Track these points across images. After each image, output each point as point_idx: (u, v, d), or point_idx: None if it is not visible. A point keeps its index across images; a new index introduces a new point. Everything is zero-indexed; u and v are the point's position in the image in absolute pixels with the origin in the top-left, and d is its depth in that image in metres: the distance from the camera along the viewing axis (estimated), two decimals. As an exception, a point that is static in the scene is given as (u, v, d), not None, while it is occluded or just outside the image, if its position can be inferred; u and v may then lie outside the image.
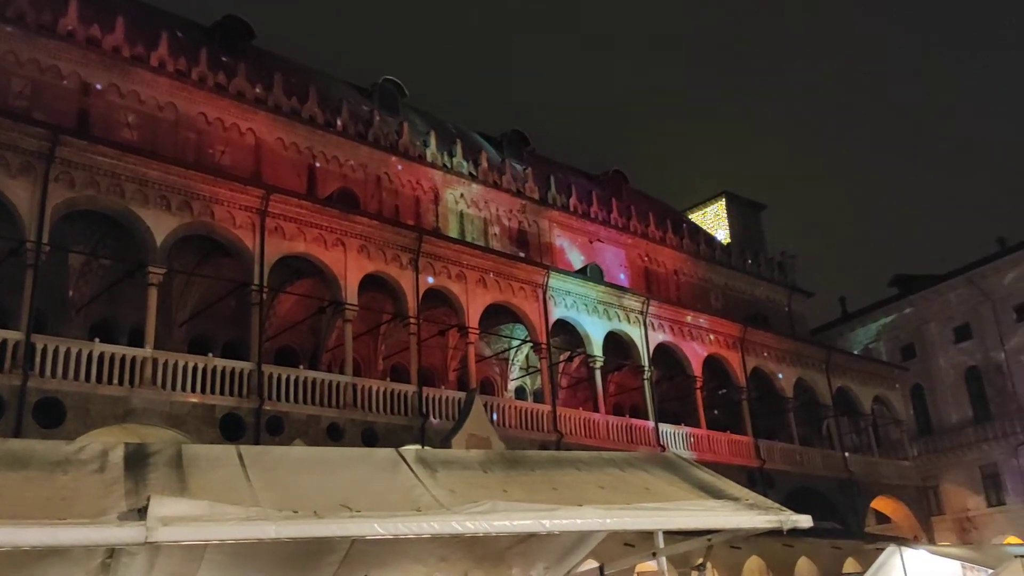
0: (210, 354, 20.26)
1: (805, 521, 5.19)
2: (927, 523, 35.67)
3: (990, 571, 16.07)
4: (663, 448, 26.33)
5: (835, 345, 39.04)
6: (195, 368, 19.41)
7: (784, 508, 5.29)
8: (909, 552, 17.32)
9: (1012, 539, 31.53)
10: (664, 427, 28.47)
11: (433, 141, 31.83)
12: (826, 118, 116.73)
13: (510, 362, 30.93)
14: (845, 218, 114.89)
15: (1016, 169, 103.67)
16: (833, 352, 36.13)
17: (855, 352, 41.16)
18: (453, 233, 29.95)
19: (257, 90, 27.71)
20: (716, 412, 31.57)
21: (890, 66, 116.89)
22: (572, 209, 35.08)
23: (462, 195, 32.05)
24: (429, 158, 31.43)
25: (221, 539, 4.11)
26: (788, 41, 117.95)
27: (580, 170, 41.63)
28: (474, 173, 32.54)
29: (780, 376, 33.08)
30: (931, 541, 31.38)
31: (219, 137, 26.61)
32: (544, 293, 26.94)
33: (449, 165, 31.92)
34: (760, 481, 29.08)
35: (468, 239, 29.74)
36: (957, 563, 18.08)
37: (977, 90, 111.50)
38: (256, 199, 21.44)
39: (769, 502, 5.34)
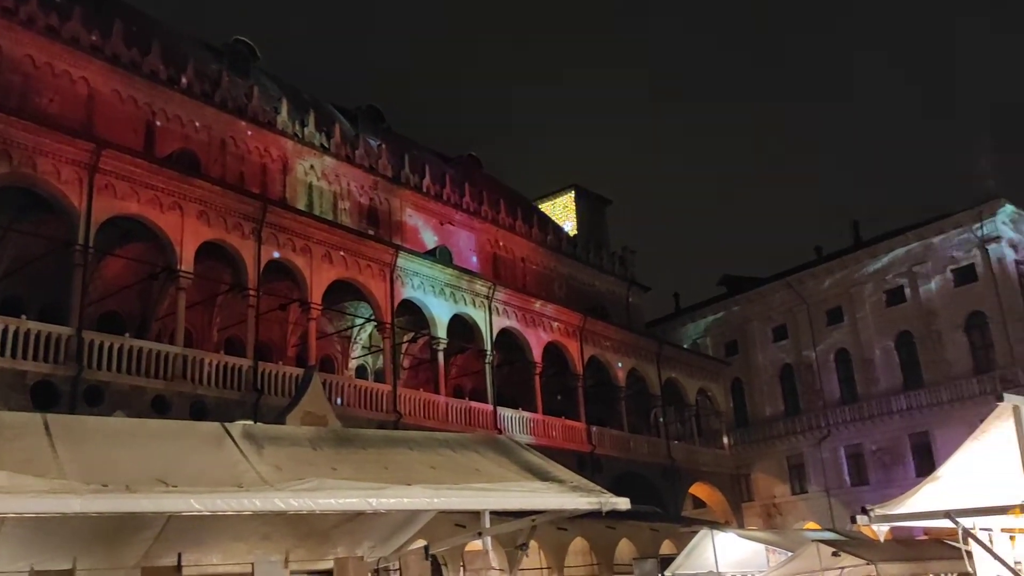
0: (23, 316, 18.76)
1: (623, 503, 5.46)
2: (738, 508, 38.32)
3: (789, 553, 17.42)
4: (500, 431, 26.80)
5: (667, 338, 41.01)
6: (4, 330, 17.95)
7: (605, 491, 5.54)
8: (720, 535, 18.52)
9: (811, 525, 34.26)
10: (502, 411, 29.00)
11: (285, 108, 30.76)
12: (672, 120, 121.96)
13: (352, 340, 30.52)
14: (684, 219, 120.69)
15: (832, 184, 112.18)
16: (664, 345, 37.96)
17: (685, 346, 43.43)
18: (301, 205, 29.11)
19: (93, 37, 25.75)
20: (560, 398, 32.50)
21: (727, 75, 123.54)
22: (425, 190, 34.93)
23: (312, 167, 31.19)
24: (280, 125, 30.35)
25: (19, 512, 3.84)
26: (645, 41, 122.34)
27: (435, 151, 41.48)
28: (326, 145, 31.73)
29: (616, 366, 34.44)
30: (740, 525, 33.72)
31: (48, 84, 24.55)
32: (392, 273, 26.73)
33: (300, 135, 30.96)
34: (589, 465, 30.20)
35: (316, 212, 29.00)
36: (762, 546, 19.51)
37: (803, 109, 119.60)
38: (85, 153, 20.02)
39: (592, 485, 5.58)
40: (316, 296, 24.51)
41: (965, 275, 36.94)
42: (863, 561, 15.20)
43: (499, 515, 6.97)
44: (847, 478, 38.94)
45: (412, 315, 28.39)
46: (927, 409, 36.13)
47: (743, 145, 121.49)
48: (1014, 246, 36.28)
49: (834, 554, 15.36)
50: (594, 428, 32.19)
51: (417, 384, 29.67)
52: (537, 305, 31.90)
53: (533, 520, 5.80)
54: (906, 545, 17.42)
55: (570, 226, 47.41)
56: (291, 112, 31.03)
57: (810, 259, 45.19)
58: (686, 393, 38.01)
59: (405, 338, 29.56)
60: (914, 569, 16.43)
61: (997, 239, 35.86)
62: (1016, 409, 6.14)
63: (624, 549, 27.71)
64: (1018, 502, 5.88)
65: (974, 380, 35.11)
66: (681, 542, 22.73)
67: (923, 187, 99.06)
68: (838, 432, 39.52)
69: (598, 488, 5.43)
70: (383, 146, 34.71)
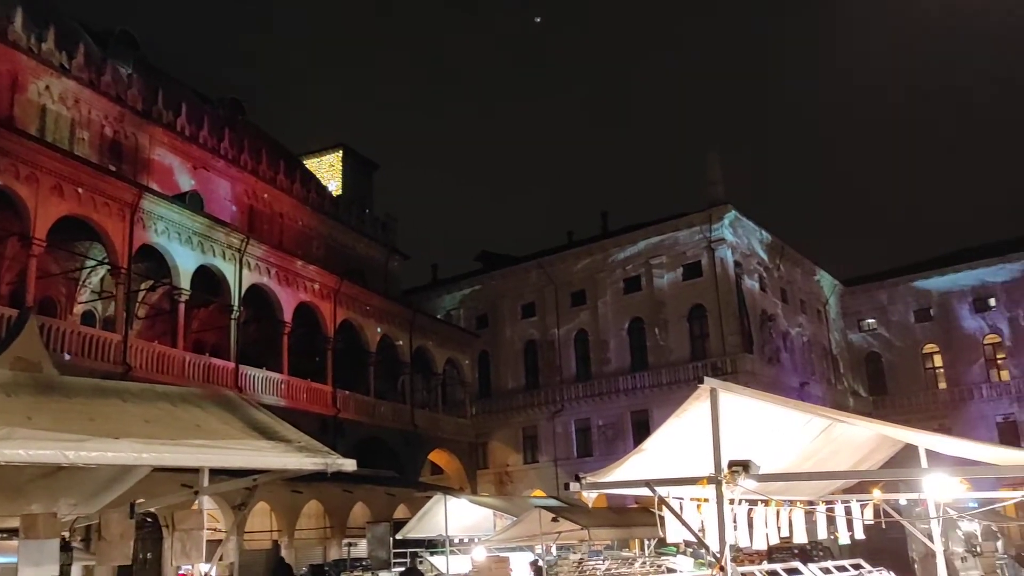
0: None
1: (349, 465, 5.47)
2: (473, 475, 39.82)
3: (514, 518, 18.41)
4: (241, 390, 25.77)
5: (422, 308, 41.51)
6: None
7: (332, 452, 5.51)
8: (452, 500, 19.19)
9: (538, 492, 36.43)
10: (246, 369, 27.91)
11: (20, 18, 27.18)
12: (441, 96, 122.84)
13: (81, 283, 27.90)
14: (448, 193, 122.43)
15: (587, 174, 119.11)
16: (418, 314, 38.38)
17: (438, 316, 44.18)
18: (31, 129, 25.98)
19: None
20: (318, 359, 31.82)
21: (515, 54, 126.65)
22: (179, 129, 32.51)
23: (49, 88, 27.92)
24: (11, 36, 26.81)
25: None
26: (438, 16, 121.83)
27: (195, 90, 38.73)
28: (67, 66, 28.51)
29: (369, 331, 34.31)
30: (474, 492, 35.08)
31: None
32: (133, 214, 24.71)
33: (36, 50, 27.55)
34: (332, 429, 29.95)
35: (49, 138, 26.05)
36: (490, 511, 20.46)
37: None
38: None
39: (319, 445, 5.53)
40: (40, 231, 22.11)
41: (693, 271, 40.71)
42: (578, 526, 16.44)
43: (224, 474, 6.73)
44: (575, 450, 41.69)
45: (153, 262, 26.45)
46: (648, 390, 39.49)
47: (506, 129, 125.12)
48: (734, 248, 40.48)
49: (553, 519, 16.47)
50: (340, 392, 31.91)
51: (152, 336, 27.77)
52: (294, 264, 30.96)
53: (255, 479, 5.65)
54: (617, 512, 19.09)
55: (335, 186, 46.39)
56: (27, 23, 27.50)
57: (562, 243, 47.67)
58: (435, 362, 38.75)
59: (143, 286, 27.50)
60: (621, 533, 18.08)
61: (722, 241, 39.83)
62: (713, 391, 6.82)
63: (359, 513, 27.87)
64: (706, 474, 6.56)
65: (690, 366, 38.86)
66: (416, 507, 23.27)
67: (669, 187, 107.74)
68: (571, 407, 42.17)
69: (325, 449, 5.40)
70: (135, 76, 31.82)
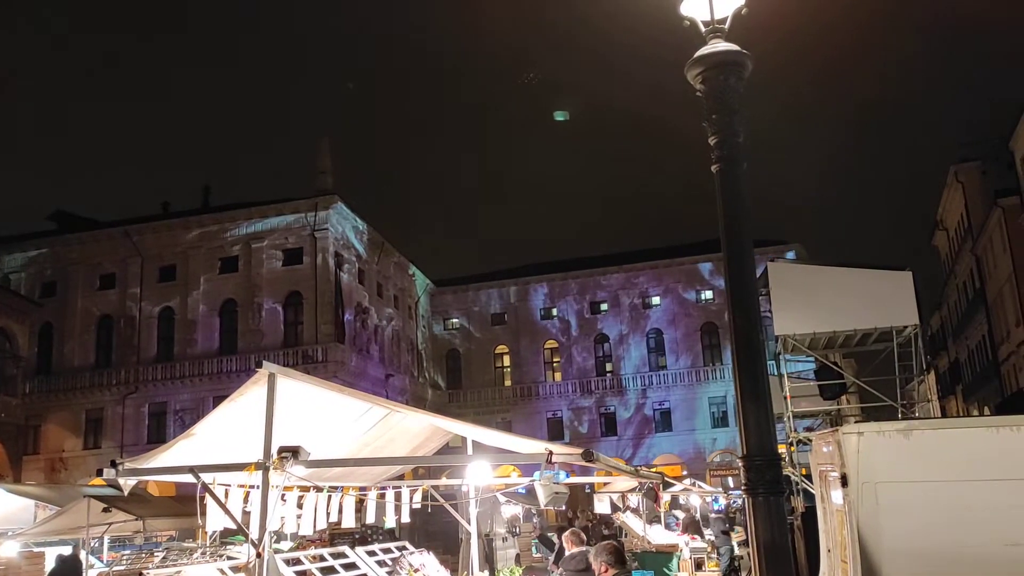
0: None
1: None
2: (18, 462, 34.97)
3: (58, 508, 16.53)
4: None
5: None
6: None
7: None
8: (-18, 489, 16.68)
9: (98, 481, 33.13)
10: None
11: None
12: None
13: None
14: (19, 141, 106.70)
15: (186, 139, 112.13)
16: (-36, 273, 32.78)
17: (-8, 279, 38.20)
18: None
19: None
20: None
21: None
22: None
23: None
24: None
25: None
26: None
27: None
28: None
29: None
30: (17, 480, 30.84)
31: None
32: None
33: None
34: None
35: None
36: (31, 501, 18.21)
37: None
38: None
39: None
40: None
41: (293, 257, 40.28)
42: (133, 516, 15.27)
43: None
44: (146, 434, 38.76)
45: None
46: (235, 374, 38.14)
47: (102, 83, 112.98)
48: (337, 239, 40.92)
49: (105, 510, 15.09)
50: None
51: None
52: None
53: None
54: (181, 501, 18.08)
55: None
56: None
57: (156, 213, 44.13)
58: (-21, 331, 33.39)
59: None
60: (180, 523, 17.21)
61: (325, 230, 40.00)
62: (271, 376, 6.73)
63: None
64: (254, 460, 6.44)
65: (281, 352, 38.38)
66: (-71, 497, 19.81)
67: (281, 170, 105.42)
68: (147, 389, 39.17)
69: None
70: None
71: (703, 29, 4.46)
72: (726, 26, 4.44)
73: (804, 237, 52.24)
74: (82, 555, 16.45)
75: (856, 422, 10.00)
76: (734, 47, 4.40)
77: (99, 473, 6.53)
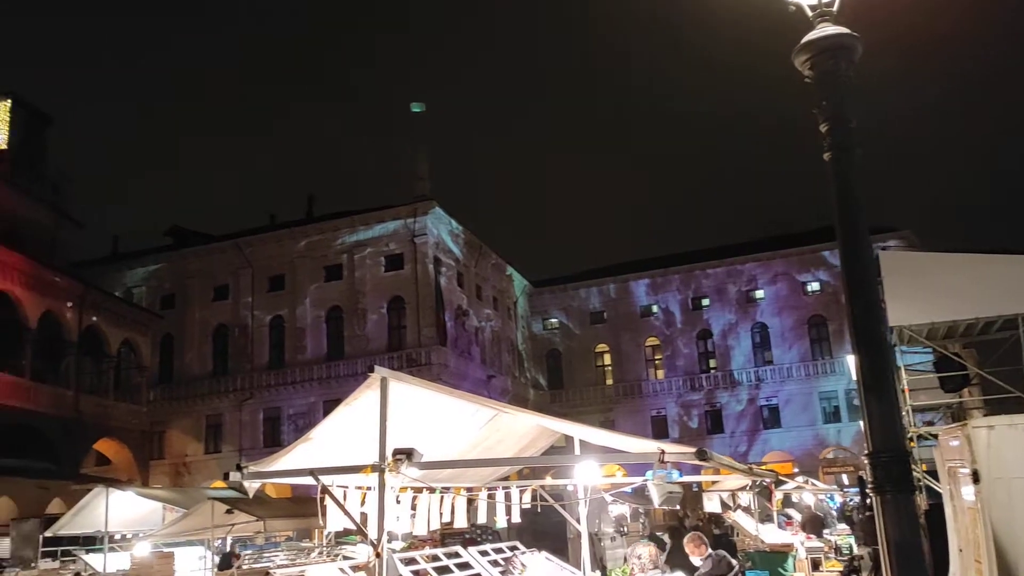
0: None
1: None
2: (146, 466, 36.93)
3: (185, 510, 17.35)
4: None
5: (98, 282, 37.66)
6: None
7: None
8: (116, 493, 17.63)
9: (218, 484, 34.64)
10: None
11: None
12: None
13: None
14: (140, 163, 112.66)
15: (294, 158, 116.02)
16: (91, 289, 34.78)
17: (117, 293, 40.43)
18: None
19: None
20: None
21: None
22: None
23: None
24: None
25: None
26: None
27: None
28: None
29: (31, 304, 30.46)
30: (145, 483, 32.53)
31: None
32: None
33: None
34: (-28, 414, 26.23)
35: None
36: (159, 504, 19.13)
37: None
38: None
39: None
40: None
41: (395, 263, 41.16)
42: (254, 518, 15.89)
43: None
44: (262, 439, 40.31)
45: None
46: (343, 379, 39.28)
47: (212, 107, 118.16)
48: (436, 244, 41.59)
49: (228, 511, 15.75)
50: (-17, 373, 27.99)
51: None
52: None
53: None
54: (297, 503, 18.72)
55: (0, 139, 40.57)
56: None
57: (264, 225, 45.85)
58: (109, 343, 35.35)
59: None
60: (298, 524, 17.83)
61: (424, 235, 40.72)
62: (383, 380, 6.89)
63: (3, 508, 24.74)
64: (370, 462, 6.60)
65: (386, 356, 39.26)
66: (74, 501, 21.11)
67: (379, 180, 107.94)
68: (261, 395, 40.73)
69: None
70: None
71: (810, 13, 4.33)
72: (834, 8, 4.30)
73: (912, 223, 49.92)
74: (207, 555, 17.25)
75: (984, 415, 9.51)
76: (844, 30, 4.25)
77: (225, 477, 6.81)
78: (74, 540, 20.39)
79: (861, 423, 4.25)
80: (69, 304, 32.71)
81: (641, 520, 23.42)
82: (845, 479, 36.19)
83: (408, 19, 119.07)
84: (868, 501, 15.61)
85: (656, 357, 50.71)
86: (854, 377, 4.27)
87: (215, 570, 16.42)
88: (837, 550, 15.90)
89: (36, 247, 35.00)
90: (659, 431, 46.46)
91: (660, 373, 50.17)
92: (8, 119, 42.24)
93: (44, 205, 38.29)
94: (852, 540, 16.96)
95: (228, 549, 17.18)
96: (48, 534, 19.76)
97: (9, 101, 42.70)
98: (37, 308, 30.94)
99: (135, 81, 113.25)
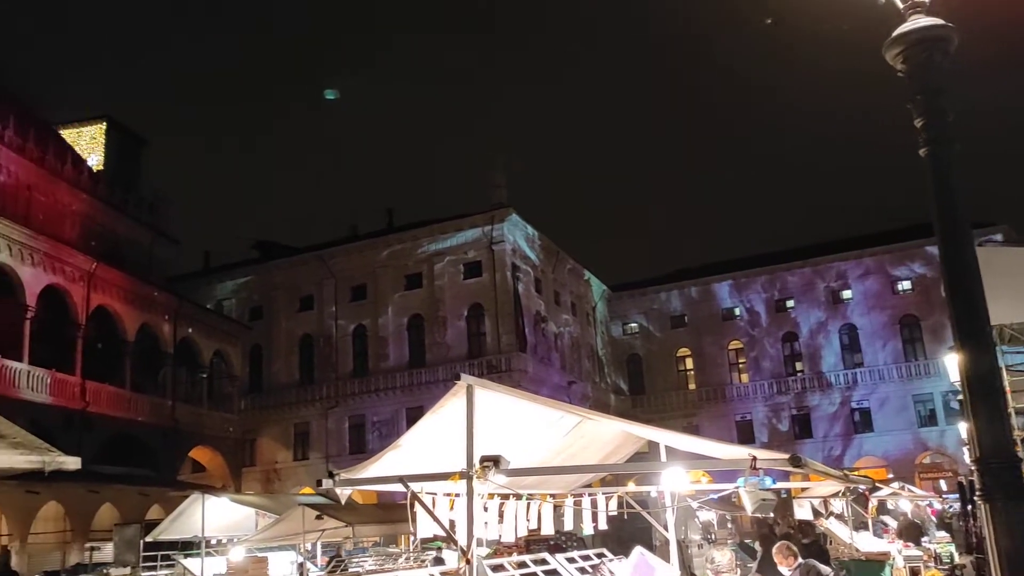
0: None
1: (73, 463, 5.01)
2: (239, 473, 38.14)
3: (277, 517, 17.81)
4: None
5: (191, 296, 39.15)
6: None
7: (54, 449, 5.03)
8: (211, 500, 18.23)
9: (307, 490, 35.52)
10: (-29, 356, 24.97)
11: None
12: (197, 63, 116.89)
13: None
14: (227, 177, 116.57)
15: (373, 170, 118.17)
16: (184, 303, 36.17)
17: (208, 306, 41.90)
18: None
19: None
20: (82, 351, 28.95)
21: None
22: (-96, 82, 28.50)
23: None
24: None
25: None
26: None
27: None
28: None
29: (130, 318, 31.86)
30: (238, 490, 33.61)
31: None
32: None
33: None
34: (79, 424, 27.54)
35: None
36: (252, 510, 19.66)
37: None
38: None
39: (38, 442, 5.03)
40: None
41: (473, 271, 41.51)
42: (343, 523, 16.21)
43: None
44: (347, 446, 41.12)
45: None
46: (425, 386, 39.78)
47: (290, 123, 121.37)
48: (514, 251, 41.78)
49: (318, 517, 16.11)
50: (91, 383, 29.36)
51: None
52: (40, 241, 28.07)
53: (-43, 480, 5.04)
54: (384, 509, 19.04)
55: (96, 160, 42.59)
56: None
57: (345, 237, 46.86)
58: (202, 354, 36.69)
59: None
60: (388, 529, 18.12)
61: (502, 243, 40.94)
62: (469, 388, 6.94)
63: (107, 514, 25.83)
64: (458, 469, 6.66)
65: (467, 363, 39.56)
66: (172, 507, 21.89)
67: (453, 187, 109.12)
68: (346, 403, 41.56)
69: (45, 445, 4.92)
70: None
71: (901, 6, 4.20)
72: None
73: (1012, 218, 47.62)
74: (298, 560, 17.65)
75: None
76: (937, 21, 4.10)
77: (318, 484, 6.97)
78: (173, 545, 21.06)
79: (960, 427, 4.08)
80: (165, 317, 34.07)
81: (728, 527, 22.97)
82: (943, 485, 34.75)
83: (493, 22, 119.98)
84: (970, 508, 14.97)
85: (740, 360, 49.71)
86: (952, 379, 4.10)
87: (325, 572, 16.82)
88: (937, 559, 15.27)
89: (134, 264, 36.61)
90: (744, 436, 45.49)
91: (744, 376, 49.14)
92: (104, 141, 44.30)
93: (140, 223, 39.99)
94: (952, 548, 16.28)
95: (335, 553, 17.58)
96: (148, 539, 20.53)
97: (104, 124, 44.80)
98: (135, 322, 32.32)
99: (240, 117, 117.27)
